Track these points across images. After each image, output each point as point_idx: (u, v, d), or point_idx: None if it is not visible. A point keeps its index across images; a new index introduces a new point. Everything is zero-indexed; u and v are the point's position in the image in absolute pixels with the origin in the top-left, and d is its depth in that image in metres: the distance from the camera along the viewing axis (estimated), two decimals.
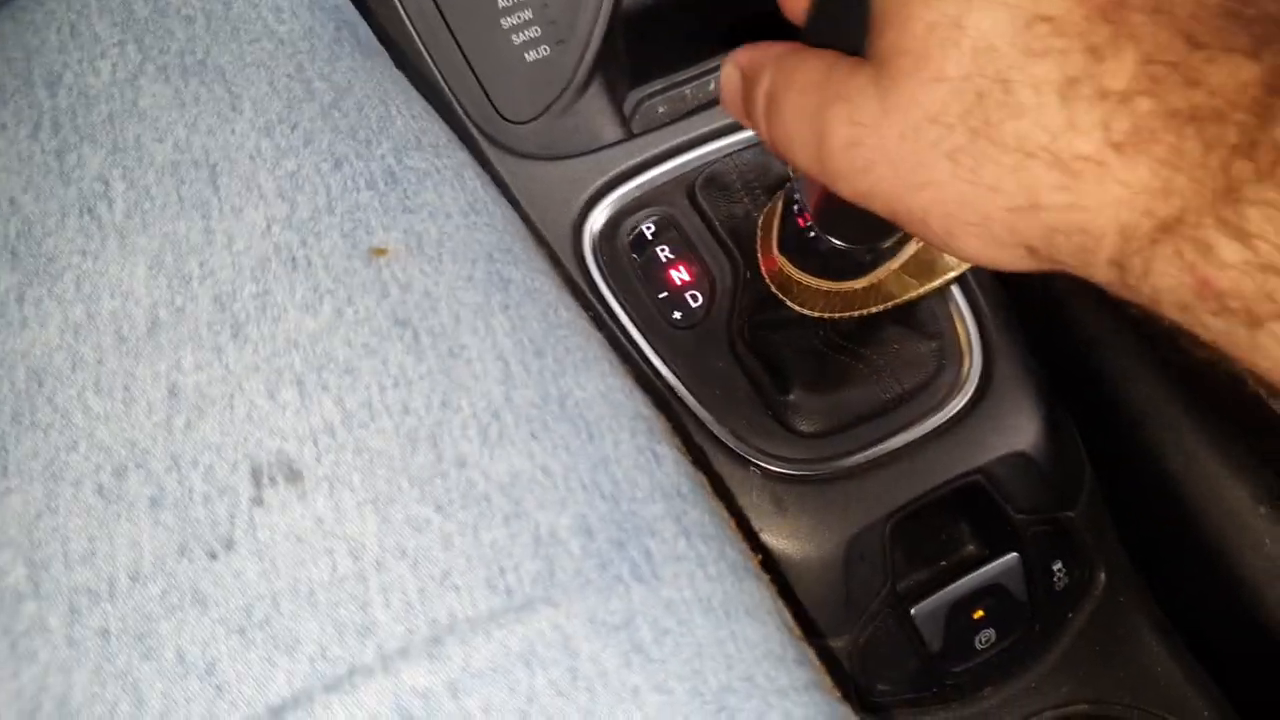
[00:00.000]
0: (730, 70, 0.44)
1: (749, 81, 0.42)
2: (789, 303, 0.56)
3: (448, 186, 0.44)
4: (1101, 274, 0.33)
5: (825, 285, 0.55)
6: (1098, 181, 0.31)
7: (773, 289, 0.57)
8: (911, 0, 0.34)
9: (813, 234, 0.53)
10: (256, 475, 0.35)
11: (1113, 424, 0.65)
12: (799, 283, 0.55)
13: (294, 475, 0.35)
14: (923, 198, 0.35)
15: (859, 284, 0.55)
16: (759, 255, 0.58)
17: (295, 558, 0.35)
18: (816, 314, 0.56)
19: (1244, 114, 0.30)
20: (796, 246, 0.55)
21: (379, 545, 0.35)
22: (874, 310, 0.56)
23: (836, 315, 0.57)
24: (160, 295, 0.38)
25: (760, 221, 0.58)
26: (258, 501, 0.35)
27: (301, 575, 0.34)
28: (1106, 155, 0.31)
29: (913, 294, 0.55)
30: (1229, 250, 0.29)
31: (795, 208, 0.54)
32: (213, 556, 0.34)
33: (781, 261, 0.55)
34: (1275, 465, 0.59)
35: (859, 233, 0.53)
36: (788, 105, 0.39)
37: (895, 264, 0.54)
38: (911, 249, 0.53)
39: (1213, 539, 0.62)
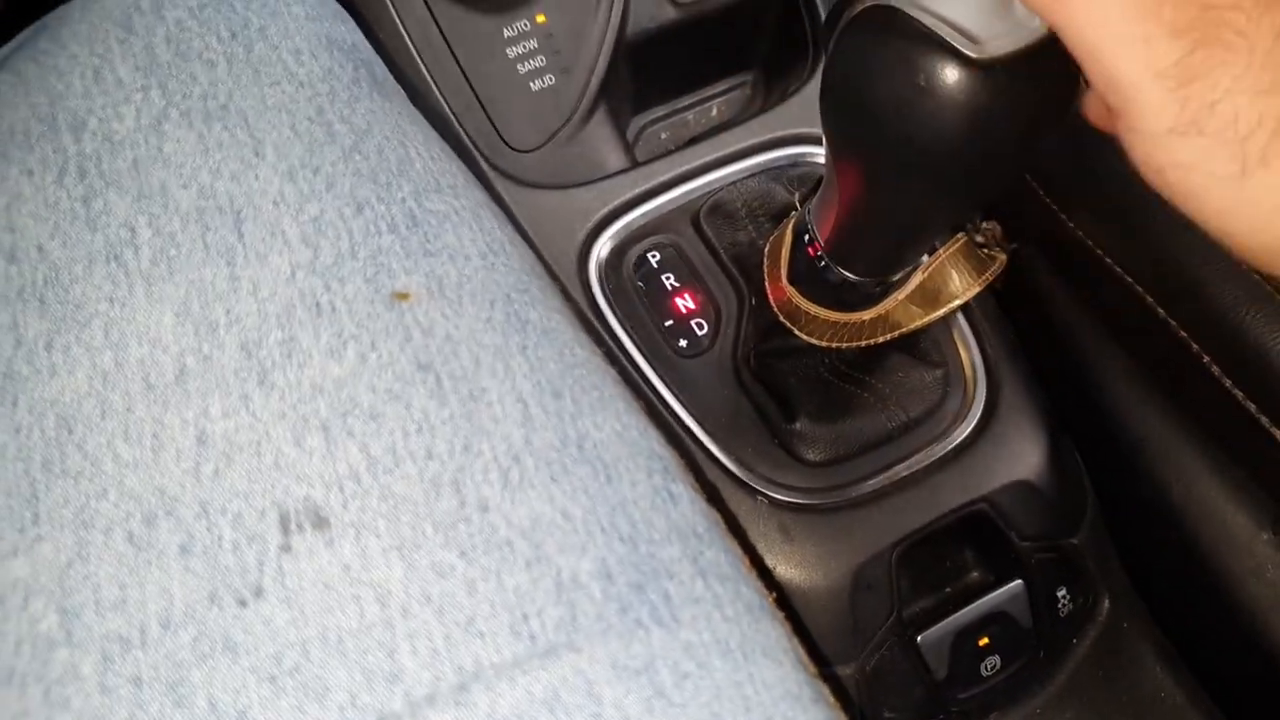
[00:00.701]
0: None
1: None
2: (797, 332, 0.57)
3: (466, 228, 0.44)
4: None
5: (834, 316, 0.56)
6: None
7: (780, 318, 0.57)
8: None
9: (823, 265, 0.53)
10: (284, 522, 0.36)
11: (1115, 451, 0.66)
12: (807, 313, 0.56)
13: (321, 522, 0.36)
14: None
15: (867, 315, 0.55)
16: (767, 283, 0.58)
17: (323, 605, 0.35)
18: (824, 344, 0.57)
19: None
20: (806, 277, 0.55)
21: (405, 592, 0.35)
22: (881, 340, 0.57)
23: (844, 345, 0.57)
24: (188, 343, 0.38)
25: (767, 250, 0.58)
26: (286, 548, 0.36)
27: (330, 622, 0.35)
28: None
29: (919, 323, 0.56)
30: None
31: (805, 238, 0.54)
32: (242, 604, 0.35)
33: (790, 291, 0.56)
34: (1276, 492, 0.60)
35: (871, 265, 0.53)
36: None
37: (902, 294, 0.54)
38: (918, 279, 0.54)
39: (1215, 565, 0.62)
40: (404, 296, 0.40)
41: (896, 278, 0.54)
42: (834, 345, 0.57)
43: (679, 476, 0.43)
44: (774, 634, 0.40)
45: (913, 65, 0.39)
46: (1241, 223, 0.32)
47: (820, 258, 0.53)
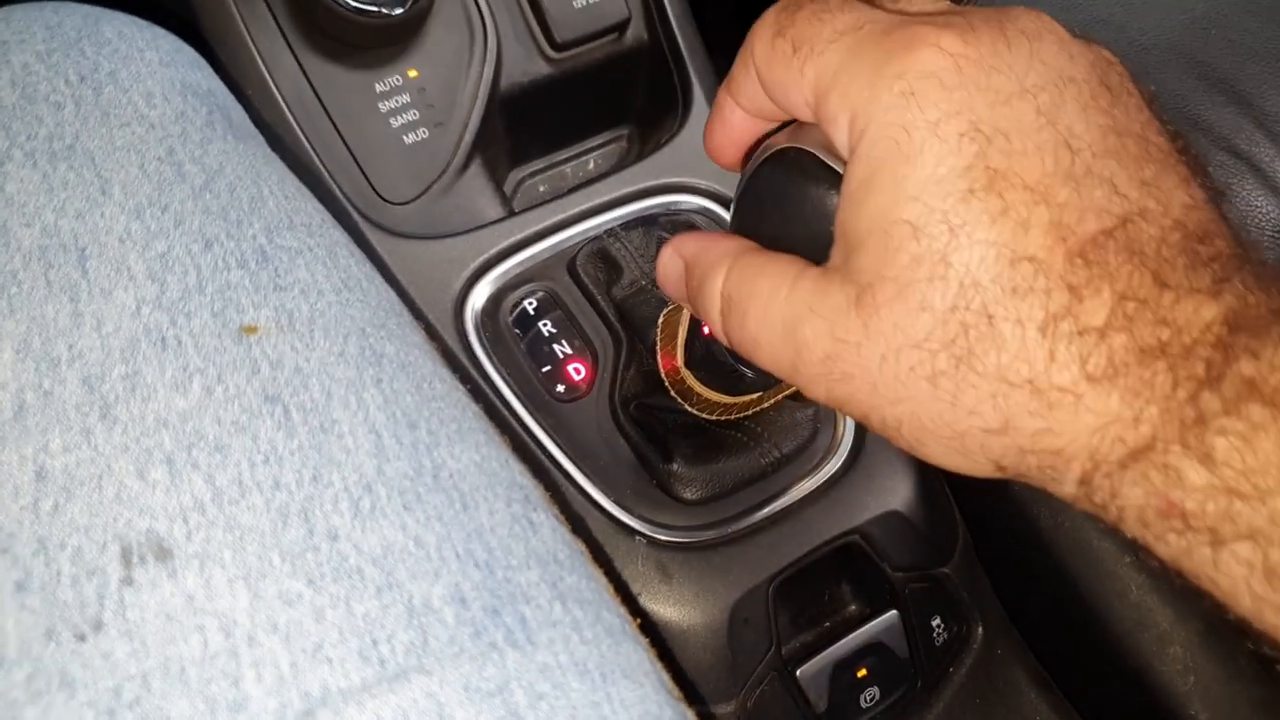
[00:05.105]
0: (671, 258, 0.47)
1: (694, 272, 0.44)
2: (686, 406, 0.58)
3: (320, 264, 0.44)
4: (1068, 491, 0.36)
5: (727, 399, 0.56)
6: (1072, 410, 0.34)
7: (671, 393, 0.58)
8: (894, 229, 0.36)
9: (723, 360, 0.53)
10: (126, 555, 0.35)
11: (985, 482, 0.67)
12: (700, 395, 0.57)
13: (164, 553, 0.35)
14: (898, 411, 0.37)
15: (757, 393, 0.56)
16: (659, 356, 0.59)
17: (165, 636, 0.34)
18: (714, 418, 0.58)
19: (1209, 350, 0.33)
20: (703, 365, 0.56)
21: (250, 620, 0.35)
22: (767, 406, 0.57)
23: (731, 417, 0.58)
24: (27, 379, 0.38)
25: (662, 323, 0.59)
26: (127, 581, 0.35)
27: (172, 653, 0.34)
28: (1082, 387, 0.34)
29: None
30: (1196, 475, 0.32)
31: (704, 327, 0.55)
32: (81, 638, 0.34)
33: (685, 374, 0.57)
34: None
35: None
36: (753, 312, 0.41)
37: None
38: None
39: (1082, 590, 0.64)
40: (252, 330, 0.40)
41: None
42: (723, 419, 0.58)
43: (540, 506, 0.44)
44: (635, 657, 0.41)
45: (822, 204, 0.40)
46: None
47: (721, 353, 0.54)
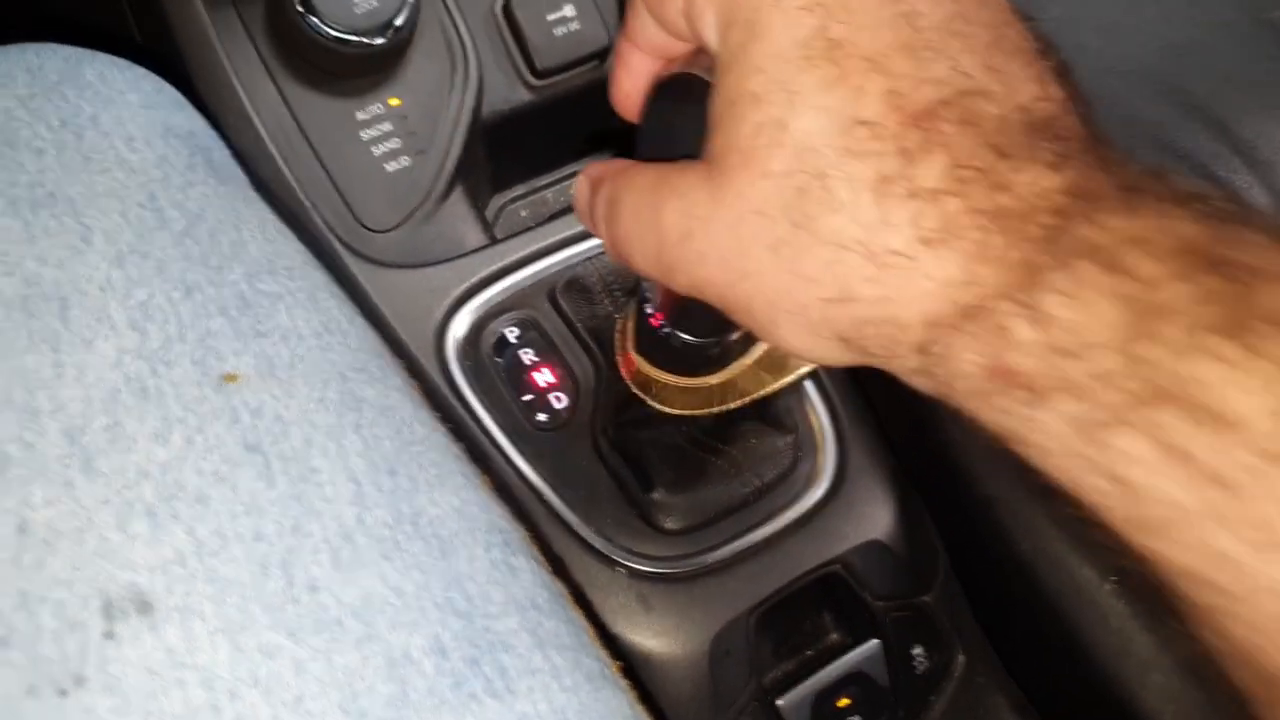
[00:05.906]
0: (581, 182, 0.48)
1: (594, 191, 0.45)
2: (650, 401, 0.58)
3: (301, 309, 0.44)
4: (907, 362, 0.35)
5: (682, 381, 0.57)
6: (906, 275, 0.34)
7: (633, 389, 0.59)
8: (740, 101, 0.36)
9: (665, 332, 0.55)
10: (108, 609, 0.35)
11: (965, 510, 0.68)
12: (656, 380, 0.57)
13: (145, 607, 0.35)
14: (747, 287, 0.37)
15: (714, 379, 0.57)
16: (618, 357, 0.59)
17: (147, 690, 0.34)
18: (677, 411, 0.58)
19: (1047, 215, 0.32)
20: (650, 345, 0.57)
21: (231, 674, 0.35)
22: (733, 406, 0.58)
23: (697, 412, 0.58)
24: (9, 432, 0.38)
25: (617, 325, 0.60)
26: (109, 635, 0.35)
27: (154, 708, 0.34)
28: (916, 250, 0.33)
29: (768, 389, 0.57)
30: (1025, 332, 0.32)
31: (647, 308, 0.55)
32: (63, 694, 0.34)
33: (638, 360, 0.57)
34: (1114, 543, 0.62)
35: (704, 326, 0.55)
36: (626, 206, 0.42)
37: (749, 360, 0.56)
38: (763, 347, 0.55)
39: (1063, 616, 0.64)
40: (233, 378, 0.40)
41: (734, 338, 0.56)
42: (687, 412, 0.58)
43: (520, 550, 0.44)
44: (614, 702, 0.41)
45: (705, 119, 0.41)
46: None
47: (661, 324, 0.55)
